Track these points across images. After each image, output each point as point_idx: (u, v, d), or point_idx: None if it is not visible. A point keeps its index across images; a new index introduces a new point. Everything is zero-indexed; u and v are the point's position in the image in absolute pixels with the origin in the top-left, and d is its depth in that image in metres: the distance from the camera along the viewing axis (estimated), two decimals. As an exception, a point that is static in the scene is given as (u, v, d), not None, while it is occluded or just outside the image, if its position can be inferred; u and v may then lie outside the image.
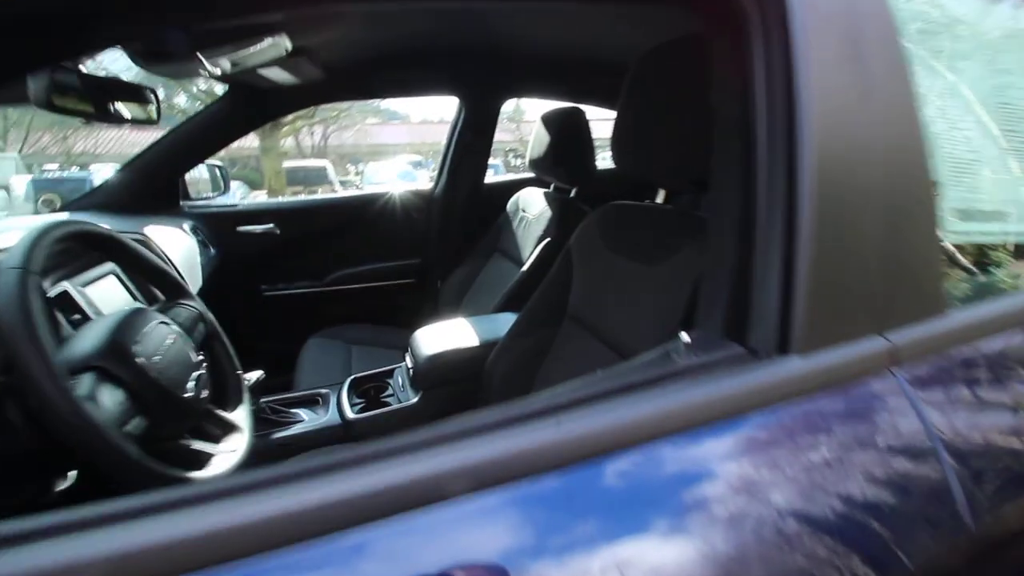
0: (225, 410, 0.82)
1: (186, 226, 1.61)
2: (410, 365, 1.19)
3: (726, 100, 0.53)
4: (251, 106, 1.57)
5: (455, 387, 1.18)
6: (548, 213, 1.54)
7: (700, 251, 0.72)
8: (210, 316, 0.88)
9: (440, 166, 1.99)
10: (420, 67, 1.66)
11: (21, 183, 10.58)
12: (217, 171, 1.93)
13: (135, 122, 0.97)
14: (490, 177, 2.21)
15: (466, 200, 1.96)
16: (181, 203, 1.74)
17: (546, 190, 1.67)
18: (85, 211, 1.45)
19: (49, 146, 12.38)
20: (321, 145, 21.37)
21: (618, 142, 0.88)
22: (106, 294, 1.03)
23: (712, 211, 0.52)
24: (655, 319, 0.79)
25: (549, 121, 1.53)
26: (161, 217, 1.56)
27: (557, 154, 1.48)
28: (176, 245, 1.43)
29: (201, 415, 0.74)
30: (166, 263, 1.25)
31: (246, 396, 0.87)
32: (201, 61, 0.84)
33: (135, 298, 1.11)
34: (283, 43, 0.95)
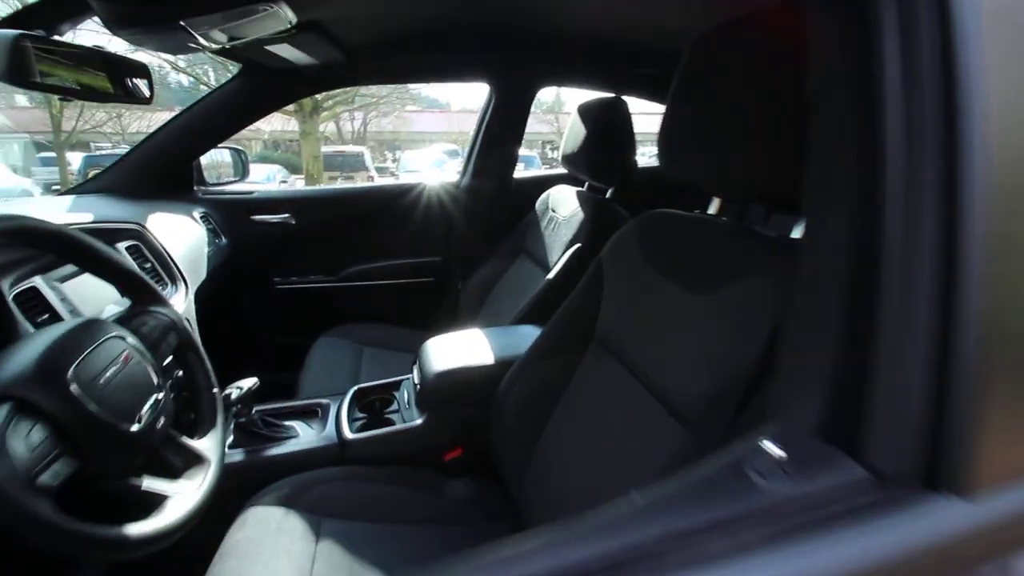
0: (192, 436, 0.71)
1: (196, 213, 1.53)
2: (417, 381, 1.07)
3: (830, 90, 0.38)
4: (266, 87, 1.47)
5: (463, 410, 1.05)
6: (580, 215, 1.38)
7: (774, 287, 0.56)
8: (184, 325, 0.78)
9: (467, 158, 1.86)
10: (446, 50, 1.52)
11: (76, 160, 11.06)
12: (236, 155, 1.85)
13: (121, 100, 0.88)
14: (522, 172, 2.07)
15: (493, 195, 1.82)
16: (195, 188, 1.67)
17: (579, 189, 1.52)
18: (90, 194, 1.38)
19: (105, 123, 12.83)
20: (361, 131, 21.60)
21: (667, 142, 0.73)
22: (88, 291, 0.94)
23: (809, 243, 0.37)
24: (704, 365, 0.64)
25: (586, 112, 1.37)
26: (171, 203, 1.48)
27: (593, 149, 1.32)
28: (181, 233, 1.35)
29: (156, 447, 0.63)
30: (159, 257, 1.17)
31: (219, 419, 0.76)
32: (187, 31, 0.73)
33: (122, 295, 1.03)
34: (285, 14, 0.83)
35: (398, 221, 1.85)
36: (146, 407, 0.60)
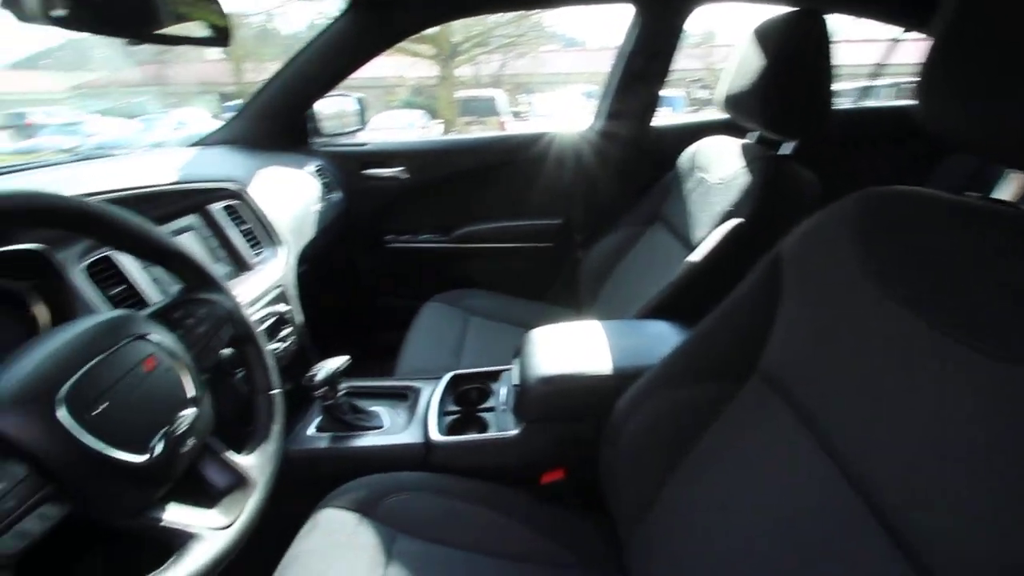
0: (240, 450, 0.61)
1: (311, 166, 1.47)
2: (516, 381, 0.89)
3: None
4: (376, 22, 1.31)
5: (569, 427, 0.85)
6: (743, 177, 1.05)
7: None
8: (242, 315, 0.67)
9: (601, 98, 1.56)
10: None
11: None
12: (355, 103, 1.77)
13: (191, 42, 0.76)
14: (665, 118, 1.72)
15: (627, 146, 1.52)
16: (310, 140, 1.61)
17: (744, 141, 1.16)
18: (214, 146, 1.37)
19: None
20: (498, 74, 21.44)
21: (939, 80, 0.42)
22: None
23: None
24: (1003, 502, 0.34)
25: (765, 35, 1.00)
26: (286, 156, 1.43)
27: (771, 86, 0.96)
28: (290, 190, 1.29)
29: (182, 474, 0.52)
30: (258, 218, 1.10)
31: (275, 430, 0.65)
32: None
33: (216, 259, 0.97)
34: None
35: (516, 176, 1.64)
36: (163, 430, 0.49)
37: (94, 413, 0.44)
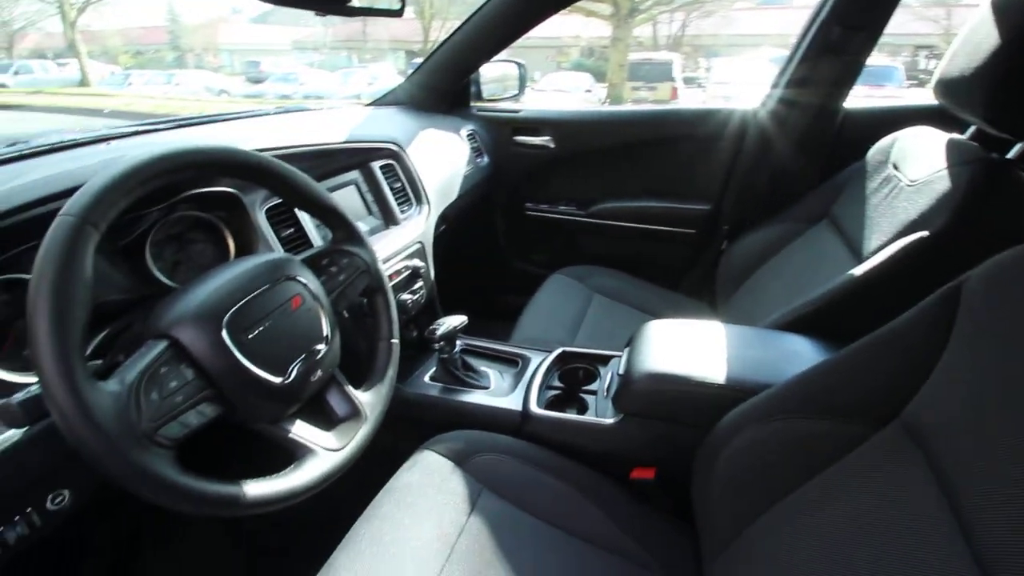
0: (358, 386, 0.70)
1: (464, 131, 1.54)
2: (621, 371, 0.87)
3: None
4: None
5: (668, 428, 0.81)
6: (944, 182, 0.86)
7: None
8: (377, 268, 0.74)
9: (779, 73, 1.37)
10: None
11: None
12: (516, 69, 1.80)
13: (371, 12, 0.84)
14: (864, 95, 1.45)
15: (803, 130, 1.32)
16: (472, 104, 1.69)
17: (955, 137, 0.94)
18: (383, 107, 1.51)
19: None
20: (679, 35, 19.91)
21: None
22: (346, 205, 1.02)
23: None
24: None
25: (1010, 6, 0.78)
26: (444, 119, 1.52)
27: (1003, 70, 0.75)
28: (441, 153, 1.38)
29: (310, 399, 0.62)
30: (410, 178, 1.19)
31: (389, 373, 0.73)
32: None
33: (369, 212, 1.09)
34: None
35: (666, 155, 1.54)
36: (300, 359, 0.58)
37: (248, 337, 0.54)
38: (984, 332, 0.48)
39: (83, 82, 14.70)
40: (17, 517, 0.52)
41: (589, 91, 12.85)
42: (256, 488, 0.51)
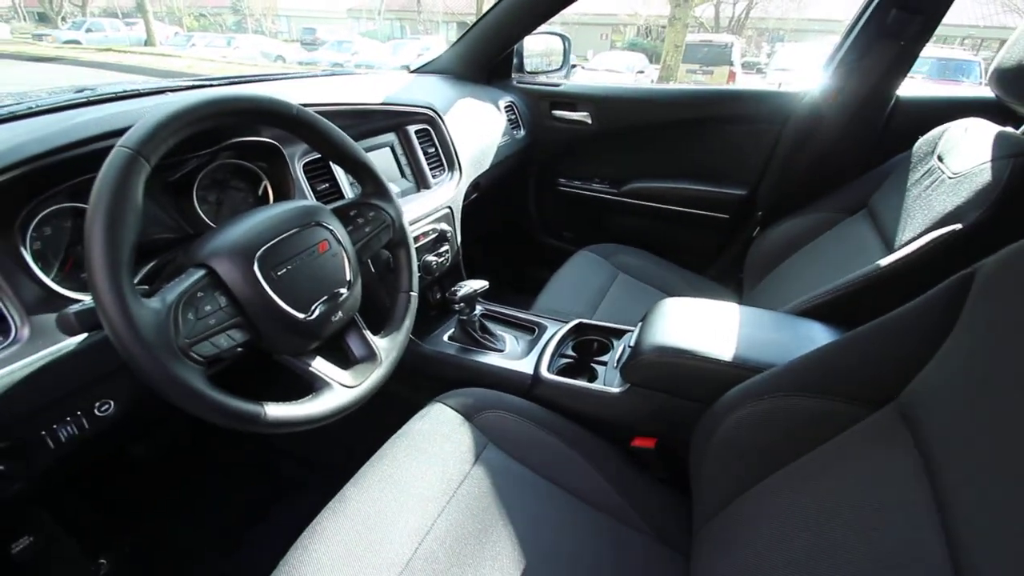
0: (376, 332, 0.74)
1: (503, 102, 1.55)
2: (631, 343, 0.89)
3: None
4: None
5: (671, 400, 0.83)
6: (984, 176, 0.82)
7: None
8: (402, 223, 0.78)
9: (829, 59, 1.32)
10: None
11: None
12: (561, 42, 1.79)
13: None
14: (935, 90, 1.37)
15: (850, 117, 1.28)
16: (512, 76, 1.69)
17: (1005, 130, 0.90)
18: (427, 74, 1.54)
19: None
20: (741, 17, 19.00)
21: None
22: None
23: None
24: None
25: None
26: (484, 89, 1.54)
27: None
28: (477, 122, 1.40)
29: (335, 335, 0.67)
30: (444, 144, 1.22)
31: (406, 323, 0.77)
32: None
33: (402, 174, 1.13)
34: None
35: (705, 137, 1.51)
36: (322, 299, 0.63)
37: (277, 274, 0.59)
38: (988, 318, 0.47)
39: (148, 41, 15.32)
40: (68, 418, 0.59)
41: (642, 72, 12.47)
42: (275, 410, 0.56)
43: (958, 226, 0.80)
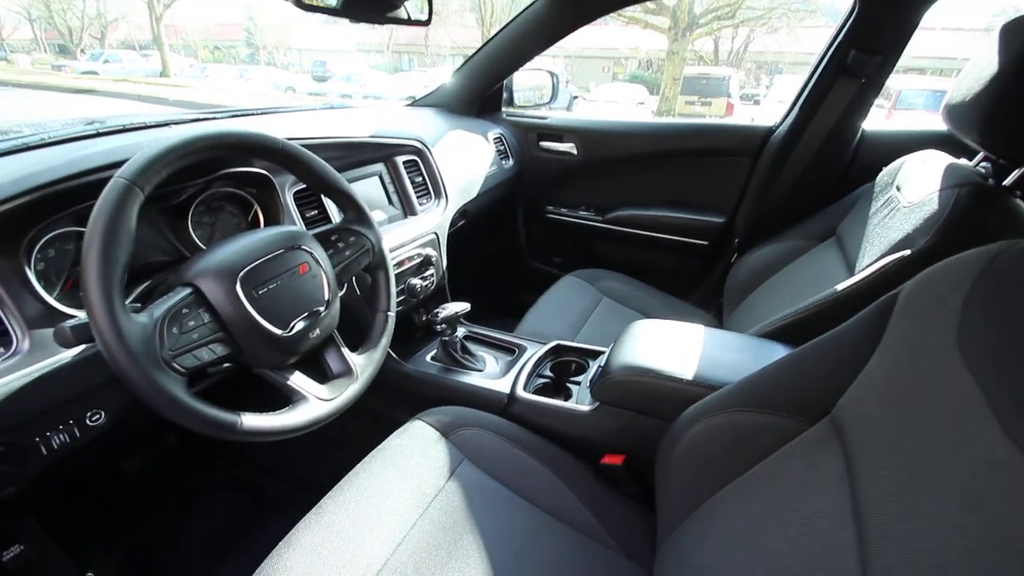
0: (353, 349, 0.78)
1: (492, 134, 1.63)
2: (601, 363, 0.93)
3: None
4: (567, 4, 1.37)
5: (638, 419, 0.87)
6: (933, 204, 0.87)
7: None
8: (380, 248, 0.83)
9: (796, 96, 1.39)
10: None
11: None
12: (549, 78, 1.88)
13: (400, 21, 0.93)
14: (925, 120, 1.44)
15: (818, 149, 1.34)
16: (502, 110, 1.77)
17: (955, 161, 0.96)
18: (421, 107, 1.62)
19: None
20: (740, 51, 19.48)
21: None
22: (367, 195, 1.12)
23: None
24: None
25: (1014, 34, 0.79)
26: (474, 122, 1.62)
27: (1004, 96, 0.77)
28: (465, 153, 1.46)
29: (313, 350, 0.71)
30: (431, 173, 1.28)
31: (383, 342, 0.82)
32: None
33: (390, 202, 1.19)
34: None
35: (685, 167, 1.58)
36: (301, 317, 0.67)
37: (259, 292, 0.64)
38: (901, 336, 0.52)
39: (163, 73, 15.85)
40: (61, 426, 0.63)
41: (642, 103, 12.76)
42: (251, 419, 0.61)
43: (907, 252, 0.84)
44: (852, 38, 1.19)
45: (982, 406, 0.38)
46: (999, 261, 0.45)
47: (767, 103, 11.31)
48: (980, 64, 0.83)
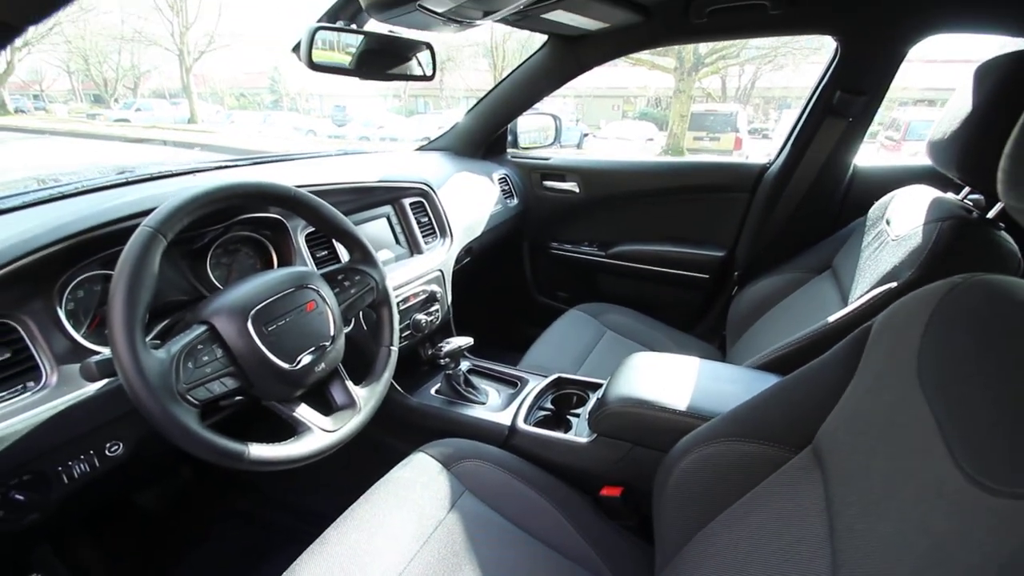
0: (357, 382, 0.82)
1: (496, 175, 1.70)
2: (600, 394, 0.95)
3: None
4: (565, 56, 1.46)
5: (635, 450, 0.88)
6: (919, 238, 0.90)
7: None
8: (384, 286, 0.88)
9: (788, 135, 1.44)
10: None
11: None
12: (552, 121, 1.96)
13: (406, 78, 1.01)
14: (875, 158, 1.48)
15: (811, 184, 1.38)
16: (507, 151, 1.85)
17: (941, 195, 0.98)
18: (430, 151, 1.71)
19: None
20: (747, 87, 19.84)
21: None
22: (373, 235, 1.18)
23: None
24: None
25: (986, 74, 0.84)
26: (480, 163, 1.69)
27: (977, 132, 0.81)
28: (470, 194, 1.53)
29: (319, 383, 0.75)
30: (436, 213, 1.34)
31: (385, 375, 0.85)
32: (428, 11, 0.77)
33: (397, 241, 1.25)
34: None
35: (685, 203, 1.62)
36: (308, 351, 0.72)
37: (268, 329, 0.68)
38: (872, 365, 0.54)
39: (191, 119, 16.65)
40: (82, 456, 0.68)
41: (651, 140, 13.01)
42: (258, 449, 0.64)
43: (894, 284, 0.87)
44: (837, 80, 1.25)
45: (935, 434, 0.40)
46: (954, 294, 0.48)
47: (776, 136, 11.45)
48: (958, 103, 0.87)
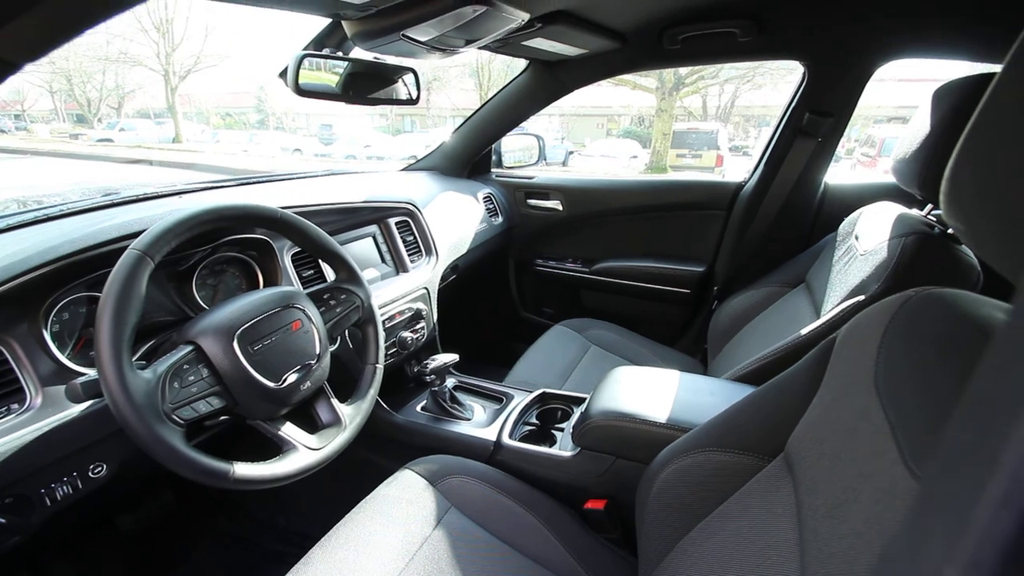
0: (343, 400, 0.83)
1: (480, 194, 1.73)
2: (583, 408, 0.97)
3: None
4: (545, 80, 1.50)
5: (618, 463, 0.90)
6: (884, 252, 0.94)
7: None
8: (370, 304, 0.90)
9: (761, 154, 1.50)
10: (734, 20, 1.21)
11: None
12: (535, 141, 2.01)
13: (392, 102, 1.04)
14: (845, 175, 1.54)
15: (784, 201, 1.43)
16: (492, 171, 1.89)
17: (905, 212, 1.03)
18: (416, 171, 1.74)
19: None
20: (727, 106, 20.35)
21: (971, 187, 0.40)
22: (362, 255, 1.20)
23: None
24: None
25: (943, 97, 0.89)
26: (465, 183, 1.72)
27: (935, 151, 0.85)
28: (455, 213, 1.56)
29: (304, 401, 0.76)
30: (422, 232, 1.37)
31: (370, 393, 0.86)
32: (413, 40, 0.80)
33: (383, 260, 1.26)
34: (507, 13, 0.81)
35: (666, 220, 1.67)
36: (293, 370, 0.73)
37: (254, 349, 0.69)
38: (835, 375, 0.57)
39: (176, 139, 16.59)
40: (65, 478, 0.67)
41: (635, 157, 13.25)
42: (243, 468, 0.65)
43: (862, 297, 0.90)
44: (806, 102, 1.31)
45: (889, 437, 0.43)
46: (908, 306, 0.51)
47: (755, 153, 11.74)
48: (917, 124, 0.92)
